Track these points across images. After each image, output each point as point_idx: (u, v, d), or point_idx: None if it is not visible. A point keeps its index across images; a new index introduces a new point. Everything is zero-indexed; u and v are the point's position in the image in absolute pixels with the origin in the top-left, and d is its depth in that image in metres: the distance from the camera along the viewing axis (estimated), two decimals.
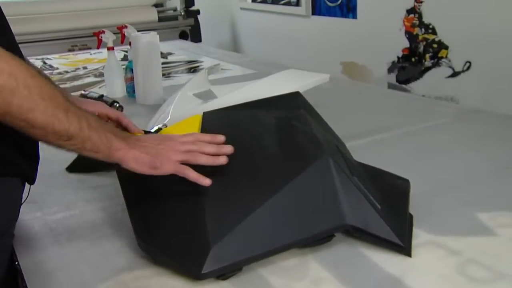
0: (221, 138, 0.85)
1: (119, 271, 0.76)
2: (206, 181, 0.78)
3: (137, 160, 0.77)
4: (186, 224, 0.78)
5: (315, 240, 0.79)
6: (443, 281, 0.71)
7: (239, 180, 0.83)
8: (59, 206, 0.98)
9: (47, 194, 1.02)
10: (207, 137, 0.85)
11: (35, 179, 0.88)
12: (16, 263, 0.81)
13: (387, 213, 0.81)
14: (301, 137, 0.93)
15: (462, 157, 1.14)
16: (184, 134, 0.86)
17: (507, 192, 0.97)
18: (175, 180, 0.82)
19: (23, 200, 0.87)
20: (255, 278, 0.74)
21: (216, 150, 0.83)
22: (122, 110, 1.55)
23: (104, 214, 0.93)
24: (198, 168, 0.81)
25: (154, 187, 0.85)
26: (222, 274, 0.73)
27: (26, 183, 0.88)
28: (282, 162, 0.88)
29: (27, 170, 0.84)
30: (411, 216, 0.86)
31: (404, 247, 0.78)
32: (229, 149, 0.83)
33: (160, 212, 0.82)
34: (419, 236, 0.83)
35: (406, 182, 0.94)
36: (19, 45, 1.03)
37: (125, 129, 1.03)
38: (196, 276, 0.72)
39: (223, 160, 0.82)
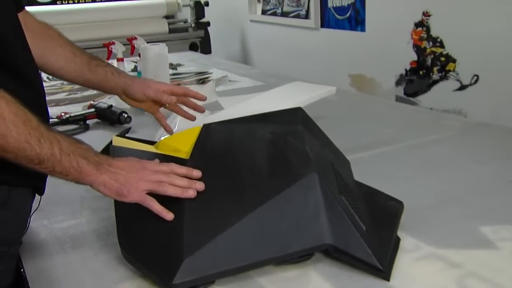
0: (196, 173, 0.86)
1: (122, 280, 0.78)
2: (168, 216, 0.80)
3: (105, 185, 0.80)
4: (164, 236, 0.80)
5: (292, 258, 0.79)
6: None
7: (223, 194, 0.84)
8: (65, 215, 0.99)
9: (54, 203, 1.03)
10: (183, 170, 0.86)
11: (44, 190, 0.89)
12: (22, 270, 0.83)
13: (371, 235, 0.80)
14: (292, 153, 0.92)
15: (466, 171, 1.14)
16: (161, 164, 0.87)
17: (510, 206, 0.97)
18: None
19: (33, 211, 0.89)
20: (255, 287, 0.75)
21: (187, 185, 0.83)
22: (130, 121, 1.57)
23: (109, 223, 0.94)
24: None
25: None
26: (194, 286, 0.74)
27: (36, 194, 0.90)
28: (268, 178, 0.88)
29: (37, 180, 0.86)
30: (397, 239, 0.85)
31: (382, 271, 0.76)
32: (200, 186, 0.84)
33: (142, 223, 0.83)
34: (421, 248, 0.84)
35: (399, 204, 0.94)
36: (97, 56, 1.08)
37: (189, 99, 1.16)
38: (167, 286, 0.73)
39: (191, 193, 0.82)
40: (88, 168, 0.78)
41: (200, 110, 1.19)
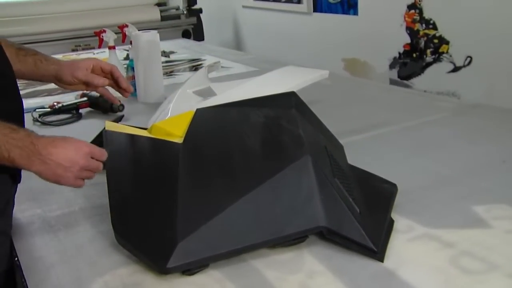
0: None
1: (116, 266, 0.78)
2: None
3: (40, 175, 0.81)
4: (158, 219, 0.80)
5: (286, 240, 0.79)
6: (435, 273, 0.72)
7: (217, 178, 0.84)
8: (59, 203, 0.99)
9: (47, 192, 1.03)
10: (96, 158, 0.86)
11: (21, 176, 0.89)
12: (16, 258, 0.82)
13: (365, 217, 0.81)
14: (286, 137, 0.92)
15: (460, 151, 1.15)
16: (91, 161, 0.85)
17: (503, 185, 0.97)
18: (153, 176, 0.86)
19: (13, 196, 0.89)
20: (250, 271, 0.75)
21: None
22: (123, 109, 1.56)
23: (103, 211, 0.93)
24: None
25: (133, 183, 0.87)
26: (188, 270, 0.74)
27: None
28: (261, 161, 0.88)
29: (11, 167, 0.86)
30: (391, 221, 0.85)
31: (376, 252, 0.76)
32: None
33: (135, 207, 0.84)
34: (414, 229, 0.84)
35: (392, 187, 0.94)
36: (23, 45, 1.06)
37: (116, 81, 1.17)
38: (161, 270, 0.73)
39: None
40: (20, 159, 0.78)
41: (124, 95, 1.22)
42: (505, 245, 0.78)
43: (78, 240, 0.86)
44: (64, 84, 1.14)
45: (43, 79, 1.15)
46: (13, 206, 0.91)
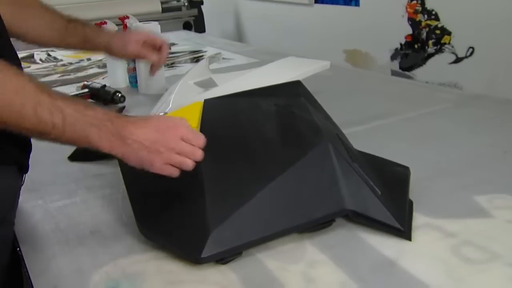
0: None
1: (118, 256, 0.78)
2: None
3: (123, 157, 0.74)
4: (186, 209, 0.79)
5: (315, 225, 0.80)
6: (437, 262, 0.72)
7: (239, 166, 0.84)
8: (61, 194, 0.99)
9: (48, 183, 1.03)
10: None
11: (28, 167, 0.89)
12: (18, 249, 0.83)
13: (387, 199, 0.82)
14: (301, 124, 0.93)
15: (462, 142, 1.14)
16: (182, 143, 0.76)
17: (504, 176, 0.97)
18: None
19: (19, 188, 0.89)
20: (251, 261, 0.75)
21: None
22: (124, 100, 1.56)
23: (104, 202, 0.94)
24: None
25: (153, 173, 0.86)
26: (222, 259, 0.74)
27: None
28: (281, 148, 0.89)
29: (20, 157, 0.85)
30: (411, 202, 0.87)
31: (403, 231, 0.78)
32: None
33: (160, 197, 0.83)
34: (416, 219, 0.84)
35: (406, 170, 0.95)
36: (73, 17, 1.04)
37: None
38: (196, 260, 0.73)
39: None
40: (98, 140, 0.71)
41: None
42: (506, 235, 0.78)
43: (79, 231, 0.86)
44: (115, 56, 1.15)
45: (94, 51, 1.15)
46: (19, 197, 0.91)
